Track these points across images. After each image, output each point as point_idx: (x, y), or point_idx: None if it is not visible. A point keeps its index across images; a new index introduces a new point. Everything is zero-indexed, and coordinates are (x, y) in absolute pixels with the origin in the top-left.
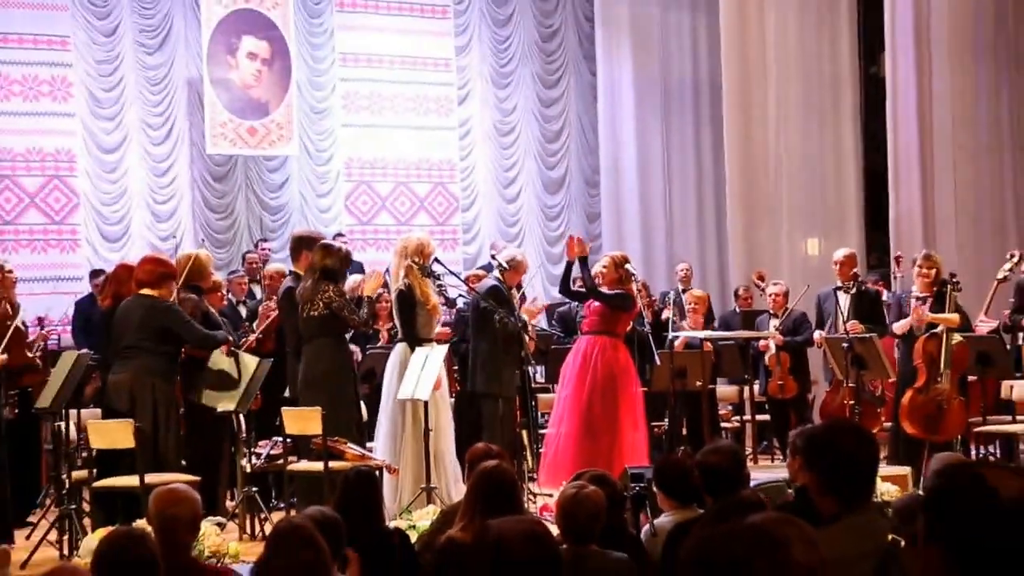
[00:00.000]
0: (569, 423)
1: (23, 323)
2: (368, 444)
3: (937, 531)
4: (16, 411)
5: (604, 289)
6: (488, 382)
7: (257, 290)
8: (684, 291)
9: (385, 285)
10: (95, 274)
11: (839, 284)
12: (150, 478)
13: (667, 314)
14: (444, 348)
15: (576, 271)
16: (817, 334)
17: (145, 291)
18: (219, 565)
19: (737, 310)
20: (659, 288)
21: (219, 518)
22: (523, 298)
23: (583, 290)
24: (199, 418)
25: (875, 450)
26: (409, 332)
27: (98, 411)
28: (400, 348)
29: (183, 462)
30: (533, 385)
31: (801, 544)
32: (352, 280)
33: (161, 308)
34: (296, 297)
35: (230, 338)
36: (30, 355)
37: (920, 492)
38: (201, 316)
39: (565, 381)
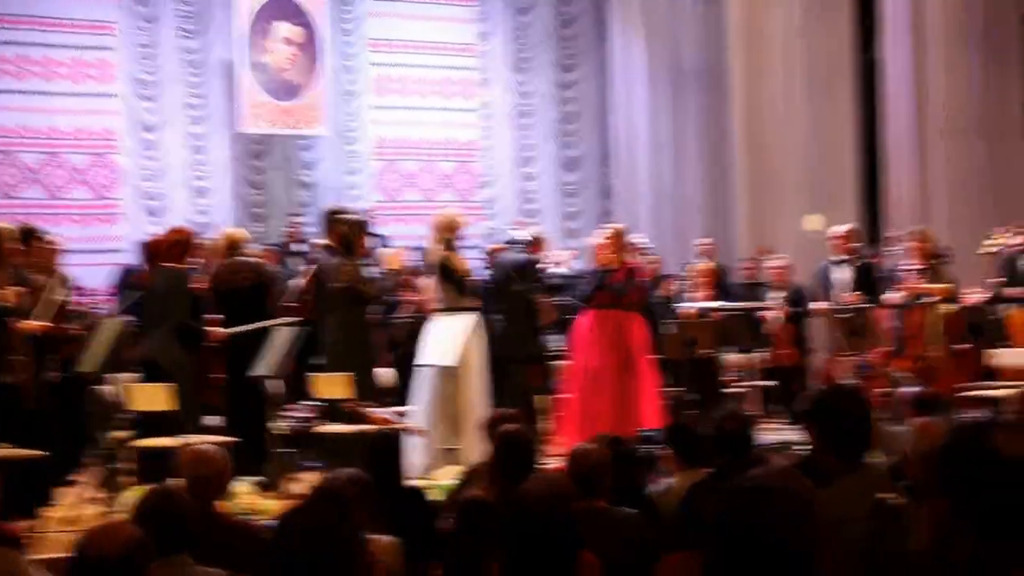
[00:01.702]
0: (598, 391)
1: (67, 293)
2: (399, 409)
3: (944, 485)
4: (60, 374)
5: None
6: (508, 349)
7: (291, 262)
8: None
9: (422, 254)
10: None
11: (838, 258)
12: (188, 439)
13: (678, 286)
14: (470, 316)
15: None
16: (817, 305)
17: (166, 264)
18: (251, 521)
19: (741, 282)
20: (669, 260)
21: (254, 477)
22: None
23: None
24: (246, 383)
25: (869, 410)
26: (450, 300)
27: (138, 375)
28: (442, 317)
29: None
30: (550, 353)
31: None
32: (381, 253)
33: (171, 279)
34: (322, 271)
35: (210, 332)
36: (65, 326)
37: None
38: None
39: (583, 350)
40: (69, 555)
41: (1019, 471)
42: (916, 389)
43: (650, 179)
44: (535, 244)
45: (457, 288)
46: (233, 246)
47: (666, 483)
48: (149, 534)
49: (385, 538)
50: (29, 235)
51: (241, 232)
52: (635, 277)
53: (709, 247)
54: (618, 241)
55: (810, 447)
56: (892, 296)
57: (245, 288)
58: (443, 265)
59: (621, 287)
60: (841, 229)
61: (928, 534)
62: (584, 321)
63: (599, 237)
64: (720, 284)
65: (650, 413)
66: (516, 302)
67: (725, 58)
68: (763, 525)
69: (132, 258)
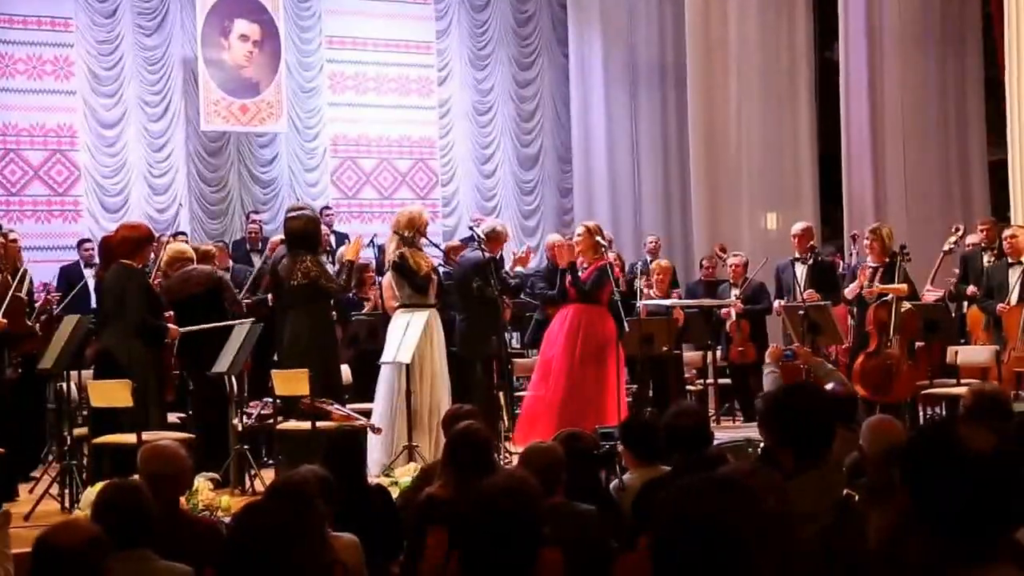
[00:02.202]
0: (556, 387)
1: (29, 290)
2: (356, 406)
3: (906, 483)
4: (19, 371)
5: (580, 266)
6: (468, 347)
7: (255, 259)
8: (651, 262)
9: (381, 251)
10: (81, 243)
11: (796, 255)
12: (147, 436)
13: (636, 283)
14: (426, 313)
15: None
16: (776, 302)
17: (123, 260)
18: (211, 517)
19: (701, 279)
20: (627, 258)
21: (212, 474)
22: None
23: (565, 289)
24: (205, 381)
25: (828, 408)
26: (407, 297)
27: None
28: (399, 314)
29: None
30: (509, 350)
31: (769, 493)
32: (341, 251)
33: (124, 276)
34: (279, 270)
35: (169, 328)
36: (29, 323)
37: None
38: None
39: (551, 346)
40: (29, 551)
41: (982, 467)
42: (831, 388)
43: (608, 176)
44: (493, 239)
45: (413, 285)
46: (180, 260)
47: (624, 480)
48: (107, 528)
49: (345, 536)
50: None
51: (186, 247)
52: (606, 273)
53: (655, 244)
54: (590, 238)
55: (765, 445)
56: (848, 289)
57: (197, 295)
58: (398, 262)
59: (592, 284)
60: (797, 227)
61: (885, 532)
62: (556, 318)
63: (574, 234)
64: (676, 281)
65: (612, 410)
66: (476, 300)
67: (682, 56)
68: (707, 522)
69: (72, 256)
